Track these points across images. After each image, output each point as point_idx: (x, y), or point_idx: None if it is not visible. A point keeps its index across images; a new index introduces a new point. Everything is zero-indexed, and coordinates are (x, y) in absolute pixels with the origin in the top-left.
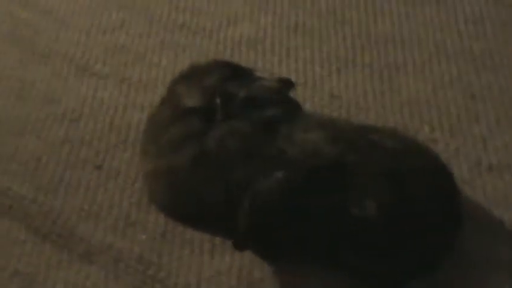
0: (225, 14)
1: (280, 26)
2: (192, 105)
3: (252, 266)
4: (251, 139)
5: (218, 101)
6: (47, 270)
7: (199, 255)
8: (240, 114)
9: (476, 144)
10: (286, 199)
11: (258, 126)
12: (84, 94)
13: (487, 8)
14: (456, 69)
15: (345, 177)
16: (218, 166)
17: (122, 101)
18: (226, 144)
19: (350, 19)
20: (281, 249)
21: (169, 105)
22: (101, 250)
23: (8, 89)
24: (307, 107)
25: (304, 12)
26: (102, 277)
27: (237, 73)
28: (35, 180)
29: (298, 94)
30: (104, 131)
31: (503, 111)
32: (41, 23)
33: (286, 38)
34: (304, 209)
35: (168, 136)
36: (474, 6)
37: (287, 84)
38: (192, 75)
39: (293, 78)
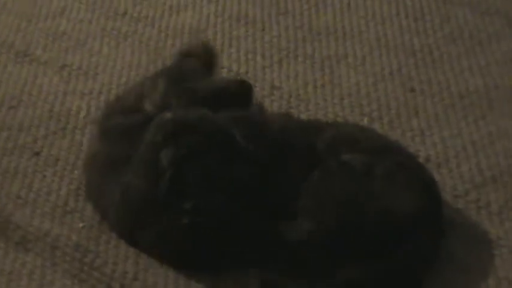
0: (168, 2)
1: (222, 15)
2: (149, 109)
3: None
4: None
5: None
6: None
7: None
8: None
9: (415, 137)
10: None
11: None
12: (23, 80)
13: (428, 3)
14: (396, 62)
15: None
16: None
17: (62, 88)
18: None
19: (292, 10)
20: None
21: (133, 101)
22: (37, 237)
23: None
24: None
25: (247, 3)
26: (38, 265)
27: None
28: None
29: None
30: (43, 118)
31: (441, 106)
32: None
33: (229, 28)
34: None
35: (115, 122)
36: (416, 2)
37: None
38: (173, 75)
39: (235, 68)
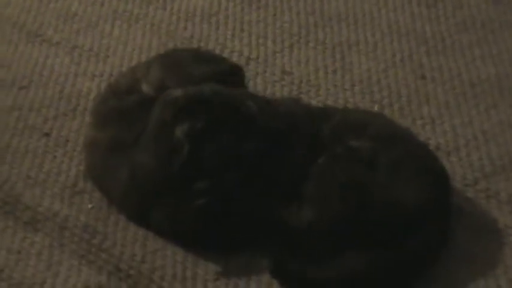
0: None
1: (234, 0)
2: (146, 91)
3: None
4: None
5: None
6: None
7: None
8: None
9: (425, 125)
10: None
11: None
12: (34, 61)
13: None
14: (408, 49)
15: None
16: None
17: (73, 69)
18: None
19: None
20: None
21: (128, 84)
22: (46, 218)
23: None
24: (259, 81)
25: None
26: (47, 245)
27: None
28: None
29: (250, 69)
30: (54, 99)
31: (452, 94)
32: None
33: (240, 12)
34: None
35: (111, 106)
36: None
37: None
38: (167, 61)
39: (245, 53)
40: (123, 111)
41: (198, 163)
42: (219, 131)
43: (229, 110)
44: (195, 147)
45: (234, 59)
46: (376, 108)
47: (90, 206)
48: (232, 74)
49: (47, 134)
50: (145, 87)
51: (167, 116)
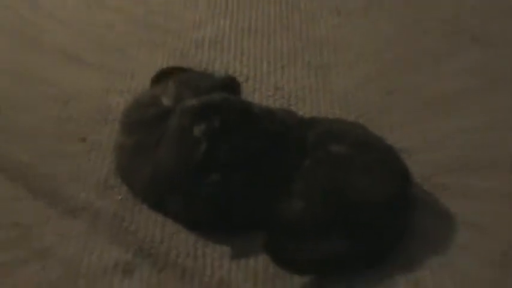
0: (192, 19)
1: (235, 29)
2: (166, 103)
3: None
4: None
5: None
6: (40, 223)
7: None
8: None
9: (392, 132)
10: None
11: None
12: (74, 80)
13: (403, 23)
14: (377, 70)
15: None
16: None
17: (105, 87)
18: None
19: (293, 25)
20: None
21: (150, 99)
22: (83, 208)
23: (13, 73)
24: (256, 96)
25: (255, 18)
26: (83, 229)
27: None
28: (32, 148)
29: (249, 85)
30: (89, 111)
31: (413, 106)
32: (44, 23)
33: (240, 39)
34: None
35: (136, 117)
36: (394, 23)
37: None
38: (180, 80)
39: (245, 72)
40: (145, 121)
41: (213, 158)
42: (231, 131)
43: (238, 113)
44: (211, 145)
45: (237, 77)
46: (352, 117)
47: (119, 197)
48: (229, 83)
49: (84, 140)
50: (165, 100)
51: (185, 120)
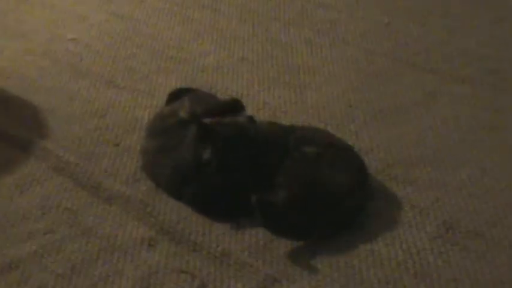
0: (198, 50)
1: (232, 58)
2: (183, 116)
3: None
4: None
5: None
6: (84, 208)
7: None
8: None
9: (352, 136)
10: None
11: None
12: (109, 98)
13: (360, 53)
14: (341, 89)
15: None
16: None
17: (133, 104)
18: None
19: (276, 54)
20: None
21: (169, 112)
22: (117, 196)
23: (62, 93)
24: (249, 110)
25: (248, 50)
26: (118, 213)
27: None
28: (78, 151)
29: (244, 101)
30: (121, 122)
31: (368, 116)
32: (84, 52)
33: (236, 66)
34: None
35: (158, 126)
36: (355, 53)
37: (237, 104)
38: (194, 98)
39: (240, 91)
40: (165, 129)
41: (218, 160)
42: (234, 145)
43: (238, 131)
44: (217, 150)
45: (233, 94)
46: (323, 125)
47: (144, 188)
48: (234, 104)
49: (117, 144)
50: (182, 114)
51: (200, 133)
